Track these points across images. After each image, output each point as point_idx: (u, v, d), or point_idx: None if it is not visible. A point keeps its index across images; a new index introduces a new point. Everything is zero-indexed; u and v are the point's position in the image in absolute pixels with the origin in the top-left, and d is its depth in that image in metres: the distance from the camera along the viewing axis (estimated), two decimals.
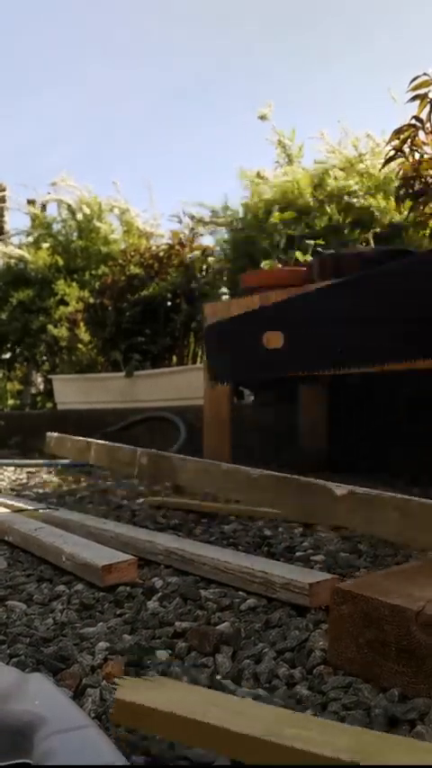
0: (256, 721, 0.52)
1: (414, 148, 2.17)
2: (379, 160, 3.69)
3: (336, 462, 2.74)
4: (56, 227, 5.54)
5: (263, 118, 4.11)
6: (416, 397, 2.59)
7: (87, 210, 5.32)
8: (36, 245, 5.47)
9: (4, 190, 6.12)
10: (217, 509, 1.79)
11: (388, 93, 3.42)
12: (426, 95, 2.09)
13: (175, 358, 4.26)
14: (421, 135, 2.15)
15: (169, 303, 4.15)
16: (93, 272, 5.13)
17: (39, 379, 5.68)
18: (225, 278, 4.15)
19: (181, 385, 3.72)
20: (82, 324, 4.46)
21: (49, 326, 4.69)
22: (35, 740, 0.46)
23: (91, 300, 4.43)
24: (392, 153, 2.20)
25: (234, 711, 0.55)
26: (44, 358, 5.29)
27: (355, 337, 0.84)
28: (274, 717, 0.55)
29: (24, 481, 2.56)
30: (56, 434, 2.43)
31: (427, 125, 2.12)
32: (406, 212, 2.83)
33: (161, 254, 4.25)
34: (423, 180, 2.19)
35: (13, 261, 5.36)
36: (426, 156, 2.17)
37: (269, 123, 4.13)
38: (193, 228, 4.31)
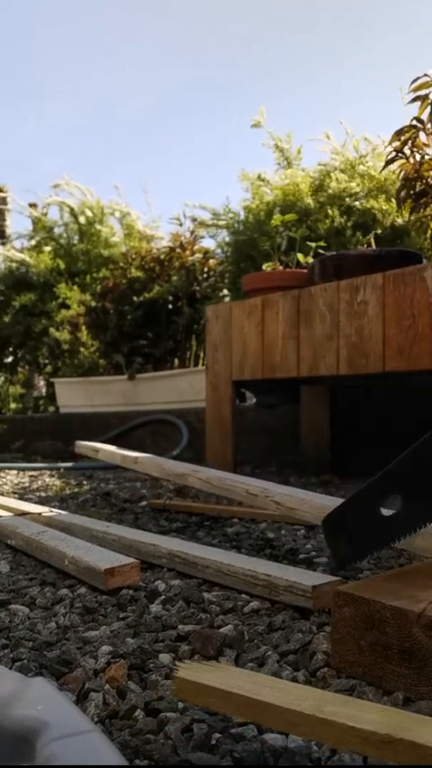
0: (302, 700, 0.59)
1: (415, 150, 2.17)
2: (380, 162, 3.69)
3: (337, 464, 2.74)
4: (57, 230, 5.55)
5: (256, 125, 4.12)
6: (418, 399, 2.58)
7: (90, 213, 5.34)
8: (38, 248, 5.48)
9: (5, 193, 6.13)
10: (219, 511, 1.79)
11: (389, 93, 3.42)
12: (426, 96, 2.09)
13: (176, 361, 4.26)
14: (422, 136, 2.15)
15: (171, 306, 4.16)
16: (94, 275, 5.15)
17: (41, 383, 5.69)
18: (226, 280, 4.16)
19: (183, 387, 3.73)
20: (84, 327, 4.46)
21: (51, 330, 4.70)
22: (38, 746, 0.46)
23: (92, 304, 4.43)
24: (393, 154, 2.20)
25: (282, 691, 0.62)
26: (46, 361, 5.30)
27: None
28: (317, 696, 0.61)
29: (27, 484, 2.56)
30: (101, 445, 2.40)
31: (428, 126, 2.12)
32: (407, 214, 2.83)
33: (162, 256, 4.26)
34: (424, 181, 2.19)
35: (14, 264, 5.37)
36: (427, 158, 2.17)
37: (263, 129, 4.14)
38: (194, 231, 4.31)
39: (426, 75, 2.08)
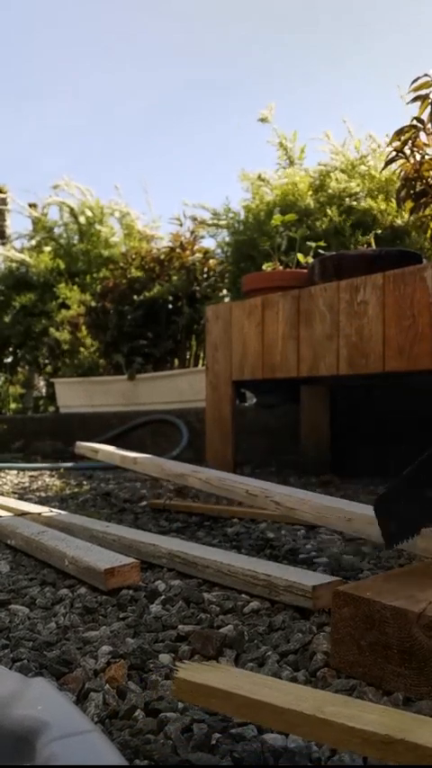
0: (302, 700, 0.59)
1: (415, 149, 2.17)
2: (380, 161, 3.69)
3: (337, 464, 2.74)
4: (57, 230, 5.55)
5: (263, 120, 4.11)
6: (418, 399, 2.58)
7: (89, 213, 5.33)
8: (38, 248, 5.48)
9: (5, 193, 6.13)
10: (219, 511, 1.79)
11: (390, 93, 3.42)
12: (427, 96, 2.09)
13: (176, 361, 4.26)
14: (422, 136, 2.15)
15: (171, 306, 4.15)
16: (94, 275, 5.15)
17: (41, 383, 5.69)
18: (226, 280, 4.16)
19: (183, 388, 3.73)
20: (84, 327, 4.46)
21: (51, 330, 4.70)
22: (38, 746, 0.46)
23: (92, 304, 4.43)
24: (393, 154, 2.20)
25: (282, 691, 0.62)
26: (46, 361, 5.29)
27: None
28: (317, 697, 0.61)
29: (27, 485, 2.56)
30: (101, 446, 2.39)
31: (428, 126, 2.12)
32: (407, 214, 2.83)
33: (162, 256, 4.26)
34: (424, 181, 2.19)
35: (14, 265, 5.37)
36: (427, 158, 2.17)
37: (270, 126, 4.13)
38: (194, 231, 4.31)
39: (426, 75, 2.08)
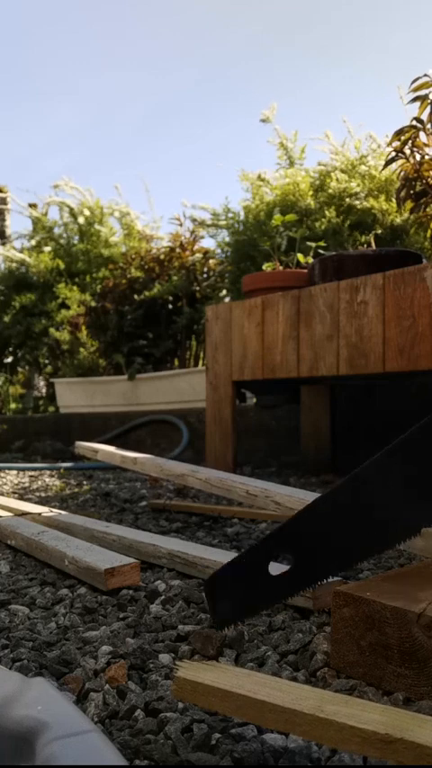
0: (302, 700, 0.59)
1: (415, 150, 2.17)
2: (380, 161, 3.69)
3: (338, 464, 2.74)
4: (57, 230, 5.55)
5: (265, 121, 4.11)
6: (418, 398, 2.58)
7: (89, 213, 5.33)
8: (38, 248, 5.48)
9: (5, 193, 6.13)
10: (219, 511, 1.79)
11: (391, 93, 3.41)
12: (426, 97, 2.09)
13: (176, 361, 4.26)
14: (422, 136, 2.15)
15: (171, 306, 4.16)
16: (94, 275, 5.14)
17: (41, 383, 5.69)
18: (226, 280, 4.16)
19: (183, 388, 3.73)
20: (84, 327, 4.46)
21: (51, 330, 4.70)
22: (37, 746, 0.46)
23: (92, 304, 4.43)
24: (393, 154, 2.20)
25: (282, 691, 0.62)
26: (46, 361, 5.29)
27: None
28: (317, 696, 0.61)
29: (27, 485, 2.56)
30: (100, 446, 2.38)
31: (428, 126, 2.12)
32: (407, 214, 2.83)
33: (162, 256, 4.26)
34: (424, 181, 2.19)
35: (14, 265, 5.37)
36: (426, 158, 2.17)
37: (271, 126, 4.13)
38: (194, 231, 4.31)
39: (426, 75, 2.08)
